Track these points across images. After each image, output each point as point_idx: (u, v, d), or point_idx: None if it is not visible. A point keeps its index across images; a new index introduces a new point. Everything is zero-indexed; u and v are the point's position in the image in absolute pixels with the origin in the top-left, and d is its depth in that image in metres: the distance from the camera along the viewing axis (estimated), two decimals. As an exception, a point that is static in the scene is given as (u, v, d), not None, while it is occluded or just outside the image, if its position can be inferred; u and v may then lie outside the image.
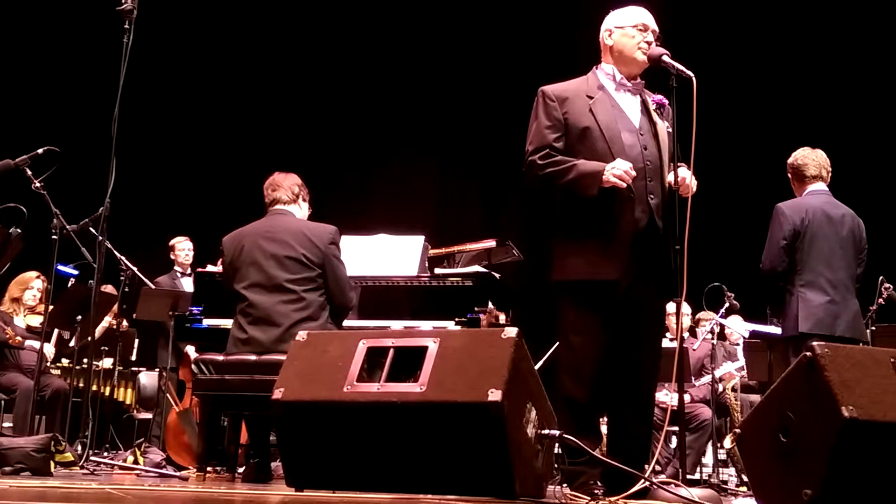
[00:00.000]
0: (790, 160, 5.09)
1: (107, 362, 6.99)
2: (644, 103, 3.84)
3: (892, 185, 8.57)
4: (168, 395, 6.55)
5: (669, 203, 3.69)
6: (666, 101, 3.83)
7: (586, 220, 3.67)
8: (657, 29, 3.85)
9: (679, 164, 3.72)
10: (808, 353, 2.87)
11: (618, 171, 3.56)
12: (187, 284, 7.11)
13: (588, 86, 3.83)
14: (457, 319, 4.92)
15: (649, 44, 3.80)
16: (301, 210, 4.88)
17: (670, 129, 3.77)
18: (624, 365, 3.71)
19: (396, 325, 4.96)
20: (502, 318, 5.17)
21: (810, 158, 5.02)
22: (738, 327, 7.29)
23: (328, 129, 9.83)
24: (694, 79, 3.62)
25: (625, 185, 3.57)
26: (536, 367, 3.44)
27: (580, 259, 3.66)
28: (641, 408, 3.79)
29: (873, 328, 5.76)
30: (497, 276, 5.25)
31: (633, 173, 3.58)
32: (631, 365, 3.72)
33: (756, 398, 6.67)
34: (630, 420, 3.76)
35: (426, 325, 4.91)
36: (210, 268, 5.75)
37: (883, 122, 8.83)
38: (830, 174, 5.03)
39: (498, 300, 5.12)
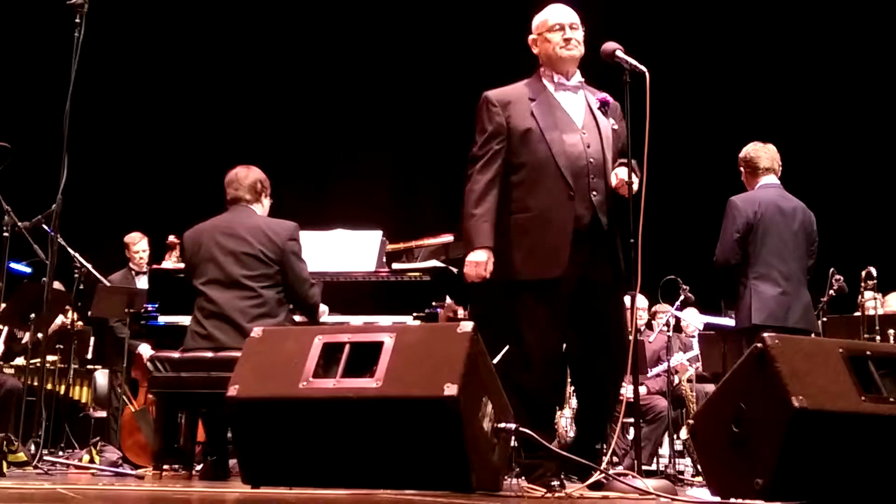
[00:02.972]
0: (742, 154, 5.15)
1: (49, 358, 6.85)
2: (588, 102, 3.87)
3: (842, 179, 8.72)
4: (123, 394, 6.47)
5: (615, 199, 3.73)
6: (610, 99, 3.87)
7: (525, 218, 3.70)
8: (575, 20, 3.88)
9: (622, 162, 3.74)
10: (759, 345, 2.92)
11: (479, 272, 3.66)
12: (143, 283, 7.01)
13: (531, 88, 3.88)
14: (415, 314, 4.91)
15: (567, 40, 3.83)
16: (263, 206, 4.85)
17: (615, 127, 3.81)
18: (581, 359, 3.74)
19: (355, 320, 4.95)
20: (461, 312, 5.17)
21: (762, 152, 5.08)
22: (694, 319, 7.38)
23: (285, 125, 9.76)
24: (647, 74, 3.65)
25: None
26: (493, 361, 3.44)
27: (520, 257, 3.70)
28: (599, 402, 3.82)
29: (824, 319, 5.86)
30: (455, 270, 5.26)
31: (485, 274, 3.66)
32: (587, 359, 3.75)
33: (711, 389, 6.75)
34: (588, 413, 3.79)
35: (385, 320, 4.89)
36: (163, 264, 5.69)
37: (832, 116, 8.97)
38: (781, 167, 5.10)
39: (456, 295, 5.12)
